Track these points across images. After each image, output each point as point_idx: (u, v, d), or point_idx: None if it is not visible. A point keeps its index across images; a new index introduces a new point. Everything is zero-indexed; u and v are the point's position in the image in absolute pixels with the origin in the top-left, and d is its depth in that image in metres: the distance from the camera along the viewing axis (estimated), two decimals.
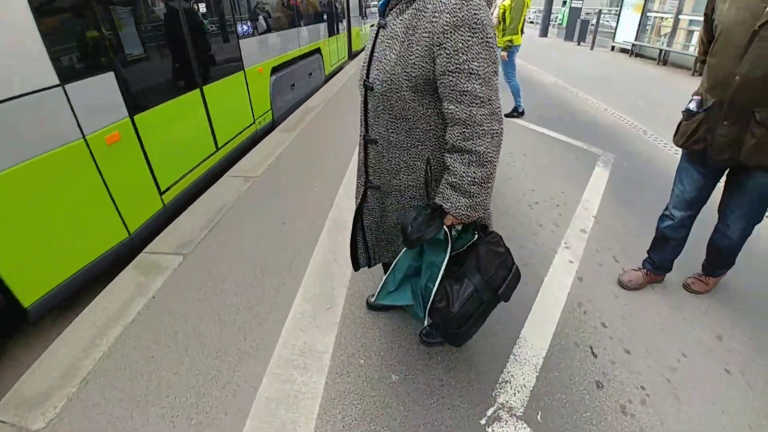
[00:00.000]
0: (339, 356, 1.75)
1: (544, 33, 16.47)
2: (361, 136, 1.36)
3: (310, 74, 6.43)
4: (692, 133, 1.78)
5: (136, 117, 2.52)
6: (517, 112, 5.08)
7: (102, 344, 1.86)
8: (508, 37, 4.49)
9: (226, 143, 3.75)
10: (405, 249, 1.37)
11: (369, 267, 1.64)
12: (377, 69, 1.17)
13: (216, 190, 3.28)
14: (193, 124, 3.26)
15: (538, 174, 3.53)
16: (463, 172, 1.10)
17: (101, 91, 2.28)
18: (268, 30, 4.69)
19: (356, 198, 1.50)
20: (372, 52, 1.21)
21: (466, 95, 1.05)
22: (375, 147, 1.31)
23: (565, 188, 3.25)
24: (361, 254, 1.60)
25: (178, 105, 3.00)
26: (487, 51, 1.04)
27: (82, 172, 2.15)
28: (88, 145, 2.15)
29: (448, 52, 1.03)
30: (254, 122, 4.35)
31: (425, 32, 1.05)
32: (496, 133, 1.09)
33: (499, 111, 1.09)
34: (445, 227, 1.21)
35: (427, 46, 1.06)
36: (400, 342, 1.83)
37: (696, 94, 1.79)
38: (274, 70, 4.83)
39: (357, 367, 1.70)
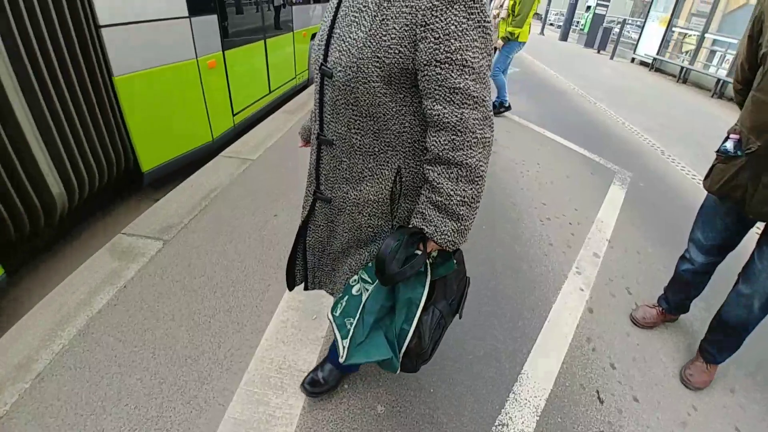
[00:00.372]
0: None
1: (564, 37, 16.07)
2: (314, 134, 1.08)
3: None
4: (729, 180, 1.50)
5: (226, 52, 3.40)
6: (504, 107, 4.88)
7: (63, 335, 1.68)
8: (511, 29, 4.22)
9: (276, 89, 4.65)
10: (375, 286, 1.06)
11: (306, 290, 1.36)
12: (339, 50, 0.90)
13: (209, 170, 3.08)
14: (258, 67, 4.18)
15: (551, 187, 3.34)
16: (451, 190, 0.88)
17: (209, 28, 3.13)
18: (316, 1, 5.62)
19: (303, 209, 1.23)
20: (332, 26, 0.93)
21: (457, 93, 0.82)
22: (331, 150, 1.05)
23: (579, 205, 3.07)
24: (298, 271, 1.33)
25: (251, 50, 3.93)
26: (483, 38, 0.81)
27: (192, 83, 3.03)
28: (198, 65, 3.03)
29: (437, 36, 0.79)
30: (295, 77, 5.24)
31: (406, 6, 0.81)
32: (488, 142, 0.87)
33: (492, 116, 0.88)
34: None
35: (407, 25, 0.81)
36: None
37: (733, 132, 1.51)
38: (314, 36, 5.51)
39: (339, 393, 1.53)
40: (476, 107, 0.83)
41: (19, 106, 1.87)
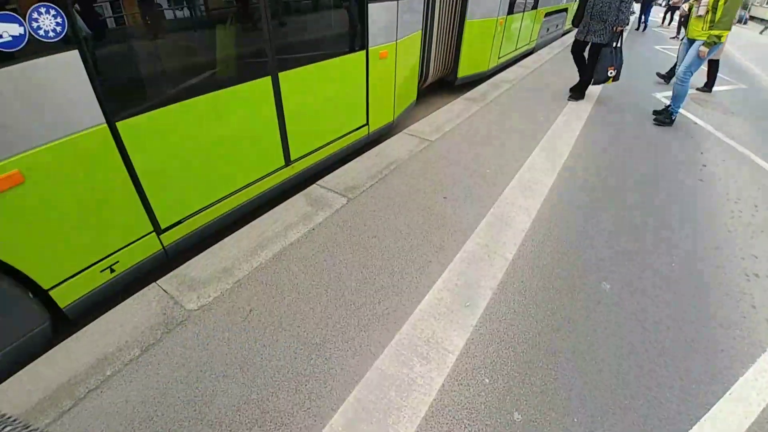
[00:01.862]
0: (464, 363, 1.60)
1: None
2: None
3: (557, 26, 8.69)
4: None
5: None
6: (670, 119, 4.22)
7: (261, 255, 2.08)
8: (717, 32, 3.70)
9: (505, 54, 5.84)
10: None
11: None
12: None
13: (392, 143, 3.33)
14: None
15: (766, 237, 2.58)
16: None
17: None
18: None
19: None
20: None
21: None
22: None
23: None
24: None
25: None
26: None
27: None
28: (496, 22, 4.74)
29: None
30: (528, 42, 6.82)
31: None
32: None
33: None
34: None
35: None
36: (536, 375, 1.56)
37: None
38: (547, 14, 7.46)
39: (479, 385, 1.53)
40: None
41: None
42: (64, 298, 1.72)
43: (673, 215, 2.68)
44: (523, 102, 4.44)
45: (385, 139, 3.43)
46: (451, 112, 4.02)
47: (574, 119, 4.10)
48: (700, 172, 3.32)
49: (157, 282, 1.95)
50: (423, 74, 4.16)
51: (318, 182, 2.72)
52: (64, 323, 1.76)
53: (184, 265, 2.04)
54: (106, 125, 1.60)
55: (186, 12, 1.94)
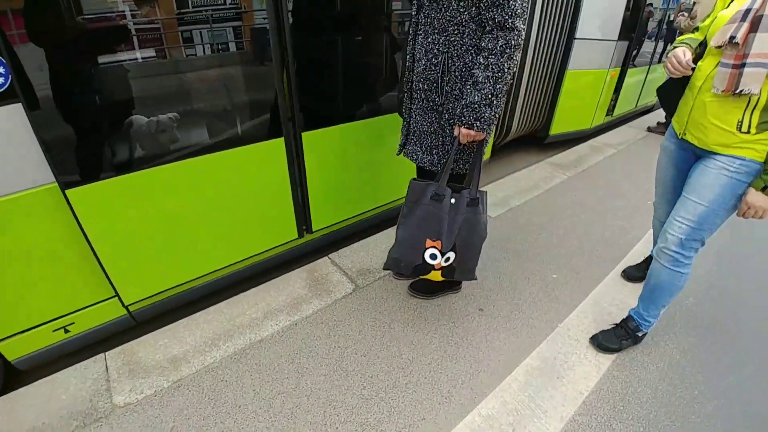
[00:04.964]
0: None
1: None
2: None
3: None
4: None
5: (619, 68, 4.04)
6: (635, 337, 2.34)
7: (219, 350, 1.69)
8: None
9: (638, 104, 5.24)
10: None
11: None
12: None
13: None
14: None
15: None
16: None
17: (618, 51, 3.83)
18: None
19: None
20: None
21: None
22: None
23: None
24: None
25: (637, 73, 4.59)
26: None
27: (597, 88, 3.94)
28: (607, 75, 3.96)
29: None
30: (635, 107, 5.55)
31: None
32: None
33: None
34: None
35: None
36: None
37: None
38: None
39: None
40: None
41: None
42: (13, 351, 1.60)
43: None
44: (627, 176, 3.49)
45: None
46: (529, 179, 3.28)
47: None
48: None
49: (107, 353, 1.69)
50: (503, 128, 3.50)
51: (332, 254, 2.26)
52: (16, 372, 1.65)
53: (139, 340, 1.74)
54: (56, 184, 1.39)
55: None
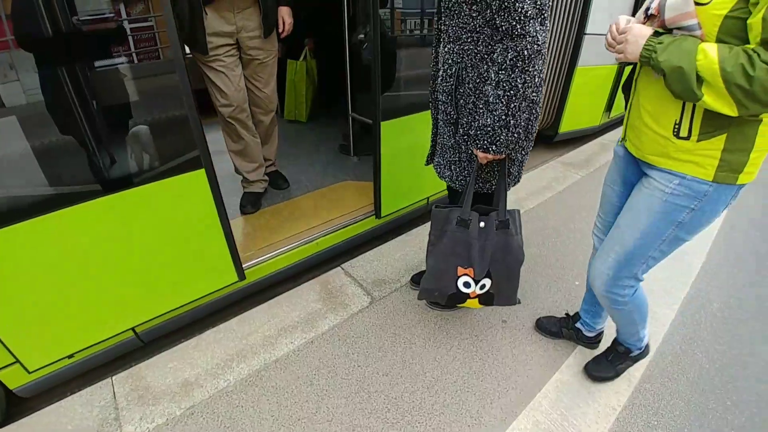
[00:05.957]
0: None
1: None
2: None
3: None
4: None
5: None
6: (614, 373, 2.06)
7: (233, 372, 1.60)
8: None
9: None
10: None
11: None
12: None
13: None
14: None
15: None
16: None
17: None
18: None
19: None
20: None
21: None
22: None
23: None
24: None
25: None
26: None
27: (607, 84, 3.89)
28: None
29: None
30: None
31: None
32: None
33: None
34: None
35: None
36: None
37: None
38: None
39: None
40: None
41: None
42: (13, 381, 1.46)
43: None
44: None
45: None
46: (541, 180, 3.20)
47: None
48: None
49: (113, 378, 1.59)
50: None
51: (344, 264, 2.17)
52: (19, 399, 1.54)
53: (147, 362, 1.64)
54: None
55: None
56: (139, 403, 1.48)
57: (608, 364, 1.59)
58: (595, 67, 3.57)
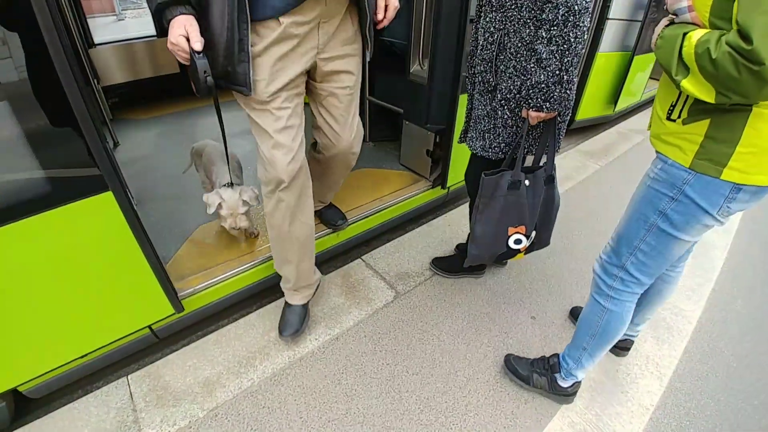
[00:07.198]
0: None
1: None
2: None
3: None
4: None
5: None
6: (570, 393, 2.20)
7: (256, 371, 1.53)
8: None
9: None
10: None
11: None
12: None
13: None
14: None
15: None
16: None
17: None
18: None
19: None
20: None
21: None
22: None
23: None
24: None
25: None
26: None
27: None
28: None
29: None
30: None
31: None
32: None
33: None
34: None
35: None
36: None
37: None
38: None
39: None
40: None
41: None
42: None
43: None
44: None
45: (466, 201, 2.69)
46: (561, 169, 3.08)
47: None
48: None
49: (129, 377, 1.52)
50: None
51: (365, 256, 2.09)
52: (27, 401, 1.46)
53: (164, 360, 1.56)
54: None
55: None
56: (158, 405, 1.41)
57: (528, 365, 1.51)
58: (616, 54, 3.45)
